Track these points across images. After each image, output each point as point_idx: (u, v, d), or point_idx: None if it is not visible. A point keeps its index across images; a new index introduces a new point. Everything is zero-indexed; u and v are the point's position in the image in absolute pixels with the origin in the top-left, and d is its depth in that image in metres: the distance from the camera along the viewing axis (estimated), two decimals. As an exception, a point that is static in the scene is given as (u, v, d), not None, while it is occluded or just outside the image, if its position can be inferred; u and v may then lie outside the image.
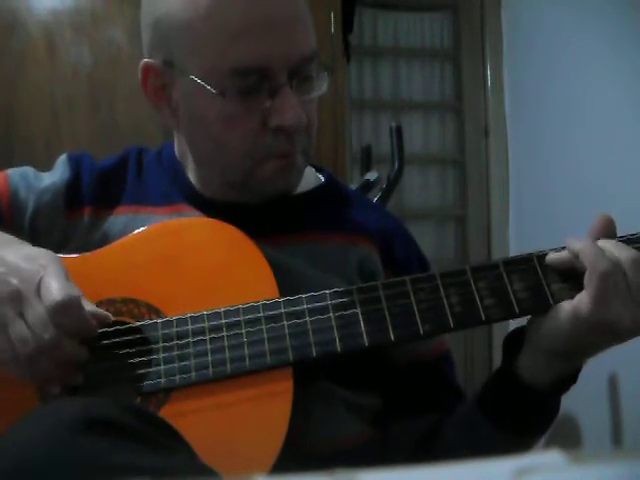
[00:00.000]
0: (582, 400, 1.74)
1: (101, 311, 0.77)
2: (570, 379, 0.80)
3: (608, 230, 0.78)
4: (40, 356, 0.72)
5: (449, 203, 2.98)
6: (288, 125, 0.83)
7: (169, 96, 0.88)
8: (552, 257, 0.77)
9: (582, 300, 0.72)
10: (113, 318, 0.79)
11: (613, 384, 1.85)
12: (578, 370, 0.80)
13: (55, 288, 0.72)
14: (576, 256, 0.75)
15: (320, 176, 1.00)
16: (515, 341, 0.81)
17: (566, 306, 0.74)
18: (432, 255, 0.85)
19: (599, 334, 0.73)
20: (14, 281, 0.73)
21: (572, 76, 2.14)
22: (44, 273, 0.73)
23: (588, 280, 0.72)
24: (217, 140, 0.86)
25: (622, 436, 1.80)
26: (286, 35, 0.81)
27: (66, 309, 0.71)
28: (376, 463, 0.32)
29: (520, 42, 2.63)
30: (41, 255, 0.77)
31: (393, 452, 0.91)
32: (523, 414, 0.79)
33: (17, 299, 0.72)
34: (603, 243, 0.75)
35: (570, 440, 2.00)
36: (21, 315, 0.72)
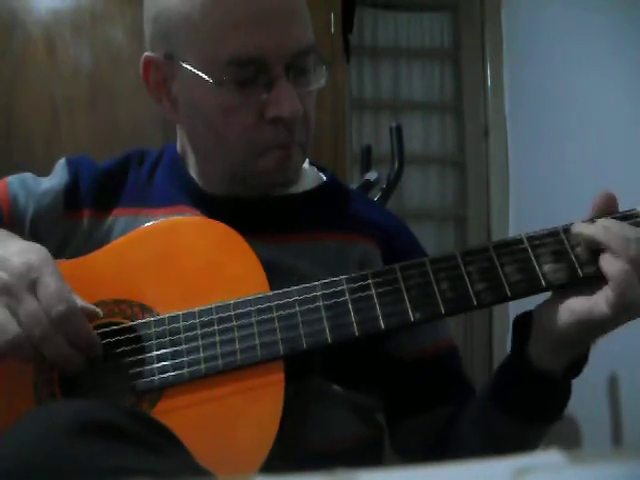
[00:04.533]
0: (582, 400, 1.73)
1: (91, 307, 0.77)
2: (581, 360, 0.78)
3: (609, 208, 0.77)
4: (55, 332, 0.73)
5: (449, 203, 2.98)
6: (284, 116, 0.83)
7: (169, 89, 0.89)
8: (577, 228, 0.75)
9: (600, 305, 0.71)
10: (102, 316, 0.79)
11: (613, 384, 1.85)
12: (587, 350, 0.78)
13: (55, 292, 0.73)
14: (603, 242, 0.72)
15: (322, 176, 1.00)
16: (525, 324, 0.79)
17: (577, 307, 0.72)
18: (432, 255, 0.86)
19: (613, 325, 0.73)
20: (4, 276, 0.74)
21: (572, 76, 2.14)
22: (40, 274, 0.74)
23: (612, 294, 0.69)
24: (216, 132, 0.86)
25: (622, 436, 1.81)
26: (283, 27, 0.82)
27: (71, 319, 0.73)
28: (376, 463, 0.32)
29: (520, 42, 2.63)
30: (32, 251, 0.77)
31: (408, 450, 0.91)
32: (533, 400, 0.78)
33: (6, 293, 0.73)
34: (617, 233, 0.72)
35: (570, 440, 2.00)
36: (9, 307, 0.73)
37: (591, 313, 0.71)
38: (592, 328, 0.73)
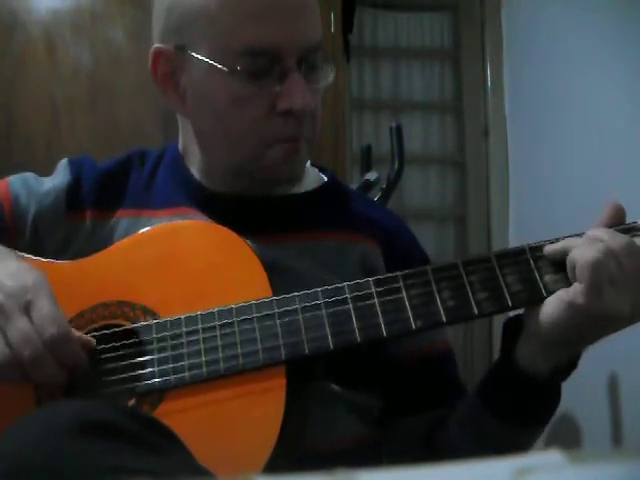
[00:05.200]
0: (582, 400, 1.74)
1: (84, 336, 0.78)
2: (570, 365, 0.78)
3: (618, 218, 0.77)
4: (46, 354, 0.72)
5: (449, 203, 2.97)
6: (296, 108, 0.84)
7: (177, 82, 0.90)
8: (546, 249, 0.77)
9: (577, 292, 0.72)
10: (96, 340, 0.79)
11: (613, 384, 1.85)
12: (578, 356, 0.78)
13: (48, 315, 0.73)
14: (568, 249, 0.74)
15: (323, 176, 1.01)
16: (514, 327, 0.80)
17: (563, 297, 0.73)
18: (432, 255, 0.86)
19: (599, 323, 0.73)
20: None
21: (572, 76, 2.14)
22: (34, 296, 0.74)
23: (580, 272, 0.71)
24: (225, 123, 0.87)
25: (622, 436, 1.81)
26: (297, 21, 0.84)
27: (63, 343, 0.73)
28: (376, 463, 0.32)
29: (520, 42, 2.63)
30: (28, 272, 0.77)
31: (396, 450, 0.91)
32: (523, 403, 0.79)
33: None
34: (594, 232, 0.74)
35: (570, 440, 2.00)
36: (1, 328, 0.73)
37: (573, 297, 0.72)
38: (577, 319, 0.72)
